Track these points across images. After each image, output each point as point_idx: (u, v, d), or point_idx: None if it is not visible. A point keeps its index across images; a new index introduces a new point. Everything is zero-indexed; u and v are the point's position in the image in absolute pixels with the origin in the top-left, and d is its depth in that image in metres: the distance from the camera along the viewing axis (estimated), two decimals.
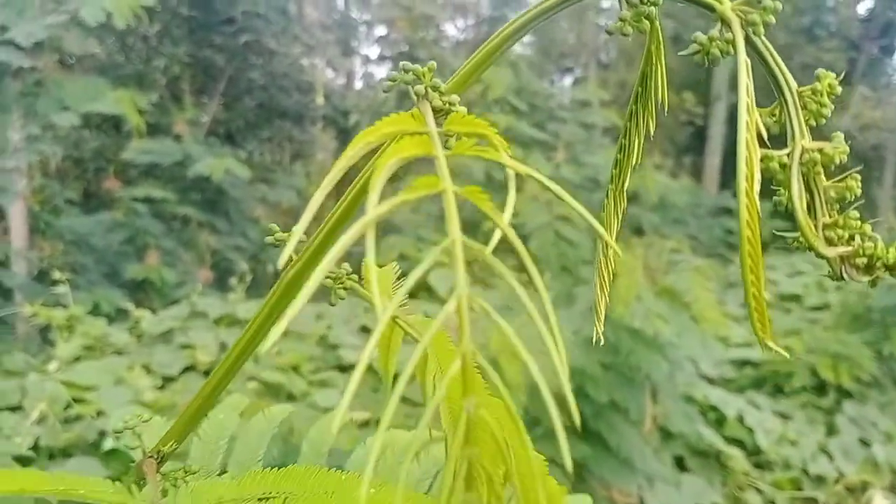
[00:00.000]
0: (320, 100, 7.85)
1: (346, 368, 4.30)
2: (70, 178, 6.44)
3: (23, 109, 4.61)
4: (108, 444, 2.98)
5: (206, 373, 4.14)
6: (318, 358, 4.31)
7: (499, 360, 2.44)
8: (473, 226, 6.51)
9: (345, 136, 9.87)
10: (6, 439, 3.00)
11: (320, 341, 4.39)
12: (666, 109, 0.56)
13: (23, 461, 2.94)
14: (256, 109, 7.69)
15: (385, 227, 6.50)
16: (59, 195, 5.79)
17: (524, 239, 4.47)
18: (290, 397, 3.95)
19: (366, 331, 4.72)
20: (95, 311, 5.10)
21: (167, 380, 3.92)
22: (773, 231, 0.47)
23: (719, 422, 4.31)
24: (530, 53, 18.72)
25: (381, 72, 10.84)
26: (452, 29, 12.10)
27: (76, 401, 3.28)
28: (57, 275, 4.39)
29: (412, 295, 4.86)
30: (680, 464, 3.84)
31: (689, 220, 10.24)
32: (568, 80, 20.75)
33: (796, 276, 7.44)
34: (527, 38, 9.65)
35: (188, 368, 4.06)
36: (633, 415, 2.82)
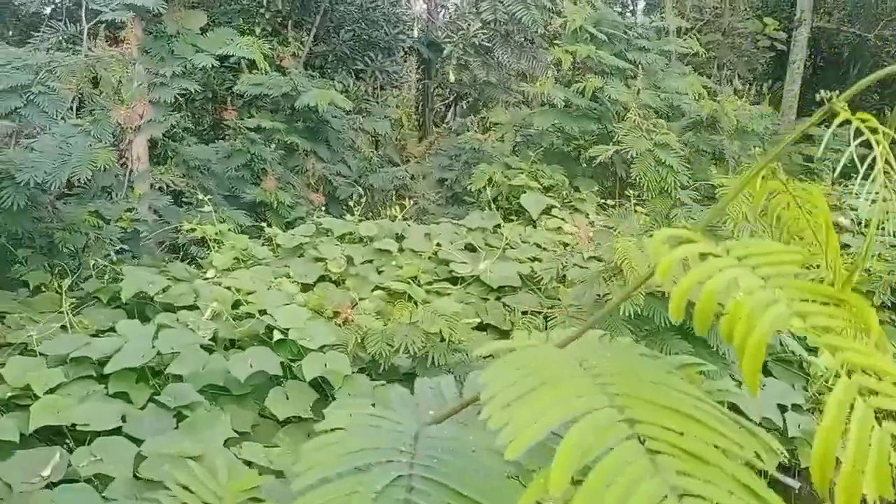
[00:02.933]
0: (415, 33, 8.14)
1: (456, 280, 4.80)
2: (189, 109, 7.00)
3: (164, 52, 5.11)
4: (278, 336, 3.55)
5: (336, 282, 4.71)
6: (432, 271, 4.81)
7: (622, 267, 2.85)
8: (569, 158, 6.82)
9: (427, 67, 10.18)
10: (191, 332, 3.60)
11: (433, 257, 4.88)
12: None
13: (207, 349, 3.55)
14: (350, 42, 8.05)
15: (478, 157, 6.88)
16: (179, 125, 6.35)
17: (627, 164, 4.82)
18: (412, 302, 4.48)
19: (469, 248, 5.19)
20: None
21: (306, 287, 4.49)
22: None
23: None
24: None
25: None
26: None
27: (241, 303, 3.85)
28: (200, 196, 4.97)
29: (511, 214, 5.31)
30: (763, 369, 4.23)
31: (768, 148, 10.25)
32: (641, 4, 20.31)
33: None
34: None
35: (322, 278, 4.62)
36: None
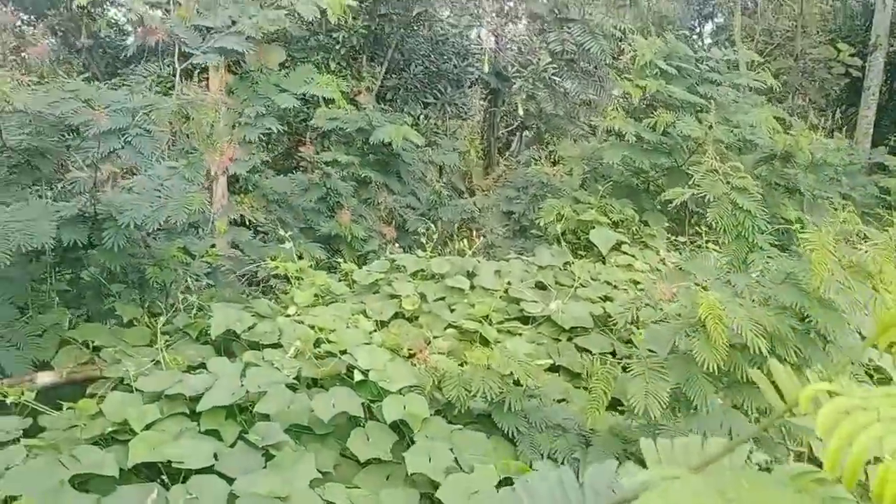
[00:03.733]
0: (486, 67, 8.28)
1: (527, 320, 4.85)
2: (269, 144, 7.27)
3: (248, 92, 5.36)
4: (359, 377, 3.65)
5: (410, 319, 4.81)
6: (503, 310, 4.86)
7: (705, 322, 2.86)
8: (638, 191, 6.82)
9: (494, 97, 10.30)
10: (277, 371, 3.73)
11: (504, 295, 4.93)
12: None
13: (291, 388, 3.68)
14: (420, 75, 8.24)
15: (546, 190, 6.92)
16: (258, 158, 6.60)
17: (703, 208, 4.80)
18: (485, 343, 4.54)
19: (540, 286, 5.23)
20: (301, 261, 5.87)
21: (381, 323, 4.61)
22: None
23: (882, 382, 4.54)
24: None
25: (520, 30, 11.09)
26: None
27: (322, 342, 3.98)
28: (281, 232, 5.16)
29: (580, 249, 5.35)
30: None
31: (843, 179, 9.98)
32: (709, 27, 20.07)
33: None
34: None
35: (396, 314, 4.73)
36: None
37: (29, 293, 4.30)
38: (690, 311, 3.18)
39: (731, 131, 6.54)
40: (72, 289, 4.68)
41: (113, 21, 11.23)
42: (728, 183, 4.38)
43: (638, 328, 4.67)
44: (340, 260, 5.54)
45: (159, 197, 4.02)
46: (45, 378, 4.06)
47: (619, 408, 3.91)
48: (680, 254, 6.30)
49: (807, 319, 3.22)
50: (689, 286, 4.17)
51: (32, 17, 10.00)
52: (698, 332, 2.97)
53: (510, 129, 12.18)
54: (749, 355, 3.09)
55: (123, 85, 7.84)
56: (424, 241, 5.54)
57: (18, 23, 9.83)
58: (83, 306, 4.58)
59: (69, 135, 4.63)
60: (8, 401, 3.29)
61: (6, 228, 3.78)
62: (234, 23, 5.33)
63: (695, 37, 19.34)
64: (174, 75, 5.43)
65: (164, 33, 4.71)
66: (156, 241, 4.88)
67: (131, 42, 6.90)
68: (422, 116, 8.84)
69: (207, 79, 6.03)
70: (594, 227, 6.22)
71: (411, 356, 4.30)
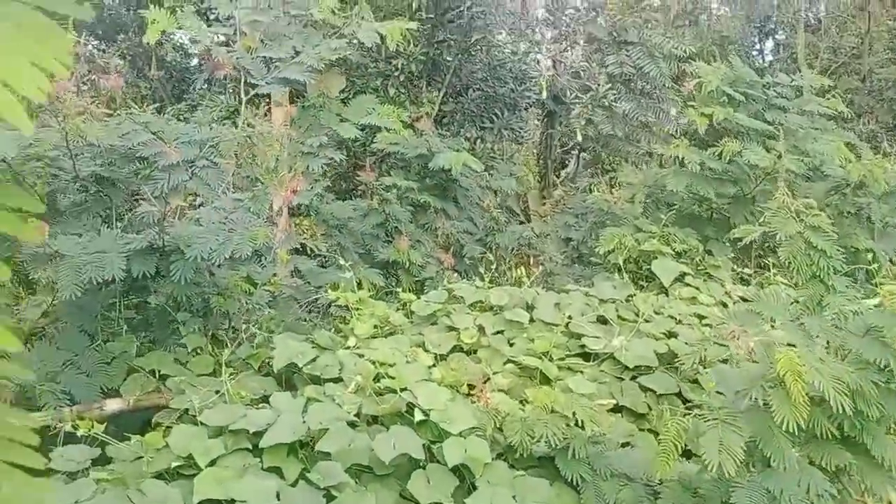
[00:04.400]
0: (544, 94, 8.24)
1: (589, 356, 4.75)
2: (329, 169, 7.36)
3: (310, 121, 5.43)
4: (419, 416, 3.62)
5: (468, 352, 4.77)
6: (563, 345, 4.78)
7: (784, 379, 2.74)
8: (701, 219, 6.65)
9: (550, 119, 10.23)
10: (338, 407, 3.73)
11: (564, 330, 4.85)
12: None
13: (352, 425, 3.67)
14: (477, 100, 8.24)
15: (605, 217, 6.82)
16: (319, 186, 6.68)
17: (772, 239, 4.65)
18: (545, 380, 4.46)
19: (601, 320, 5.12)
20: (359, 289, 5.90)
21: (439, 357, 4.57)
22: None
23: None
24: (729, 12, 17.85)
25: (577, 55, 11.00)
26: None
27: (381, 377, 3.96)
28: (342, 261, 5.19)
29: (641, 279, 5.23)
30: None
31: None
32: (770, 45, 19.60)
33: None
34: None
35: (455, 347, 4.69)
36: None
37: (99, 321, 4.41)
38: (767, 364, 3.06)
39: (801, 160, 6.32)
40: (139, 315, 4.79)
41: (179, 44, 11.58)
42: (801, 220, 4.22)
43: (705, 367, 4.53)
44: (399, 289, 5.54)
45: (225, 230, 4.08)
46: (113, 405, 4.16)
47: (687, 449, 3.79)
48: (746, 286, 6.10)
49: (887, 370, 3.07)
50: (760, 330, 4.02)
51: (103, 42, 10.40)
52: (776, 387, 2.85)
53: (566, 148, 12.08)
54: (829, 410, 2.96)
55: (191, 108, 8.05)
56: (483, 271, 5.50)
57: (90, 47, 10.21)
58: (150, 332, 4.67)
59: (140, 163, 4.76)
60: (79, 433, 3.37)
61: (78, 261, 3.90)
62: (297, 53, 5.41)
63: (755, 53, 18.90)
64: (239, 103, 5.55)
65: (230, 67, 4.80)
66: (220, 270, 4.95)
67: (199, 76, 7.07)
68: (478, 140, 8.84)
69: (270, 106, 6.14)
70: (656, 258, 6.07)
71: (471, 391, 4.25)
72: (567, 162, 12.30)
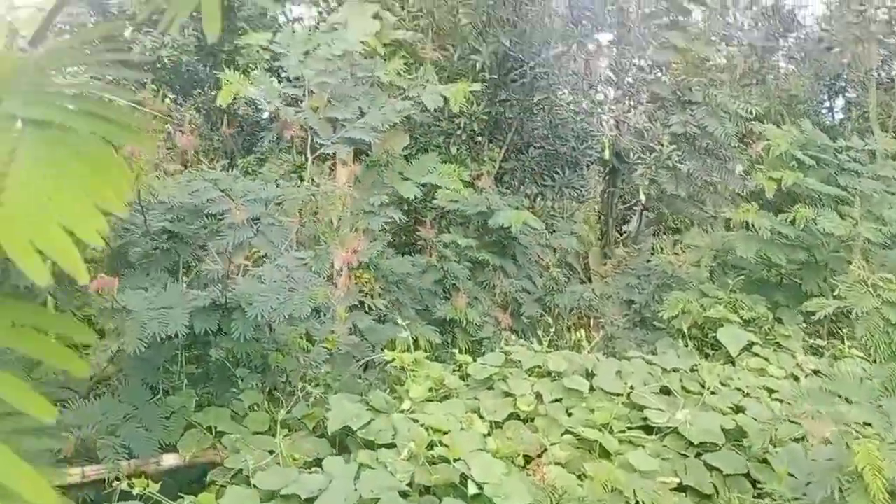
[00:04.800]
0: (606, 153, 8.20)
1: (651, 429, 4.56)
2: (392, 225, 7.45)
3: (373, 179, 5.50)
4: (473, 489, 3.52)
5: (525, 420, 4.64)
6: (625, 417, 4.61)
7: (862, 473, 2.56)
8: (769, 284, 6.41)
9: (612, 177, 10.14)
10: (390, 475, 3.66)
11: (626, 401, 4.68)
12: None
13: (403, 495, 3.59)
14: (538, 158, 8.24)
15: (669, 281, 6.65)
16: (380, 244, 6.73)
17: (850, 323, 4.41)
18: (605, 453, 4.30)
19: (664, 391, 4.94)
20: (415, 346, 5.86)
21: (495, 425, 4.46)
22: None
23: None
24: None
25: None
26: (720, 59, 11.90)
27: (435, 444, 3.88)
28: (399, 320, 5.18)
29: (706, 347, 5.01)
30: None
31: None
32: (840, 102, 19.09)
33: None
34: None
35: (511, 415, 4.57)
36: None
37: (160, 374, 4.49)
38: (843, 452, 2.87)
39: (879, 229, 6.05)
40: (199, 368, 4.85)
41: (250, 99, 12.01)
42: (878, 295, 4.02)
43: (775, 446, 4.29)
44: (455, 349, 5.48)
45: (286, 288, 4.13)
46: (170, 460, 4.19)
47: None
48: (819, 357, 5.81)
49: None
50: (836, 410, 3.79)
51: (179, 96, 10.86)
52: (854, 481, 2.66)
53: (627, 205, 11.93)
54: None
55: (260, 161, 8.29)
56: (541, 333, 5.39)
57: (167, 100, 10.70)
58: (209, 386, 4.72)
59: (208, 218, 4.89)
60: (134, 491, 3.39)
61: (144, 316, 3.98)
62: (363, 113, 5.52)
63: (824, 111, 18.40)
64: (305, 160, 5.67)
65: (298, 128, 4.92)
66: (280, 326, 5.00)
67: (267, 133, 7.29)
68: (538, 198, 8.80)
69: (335, 163, 6.26)
70: (723, 325, 5.86)
71: (527, 464, 4.12)
72: (629, 218, 12.13)
